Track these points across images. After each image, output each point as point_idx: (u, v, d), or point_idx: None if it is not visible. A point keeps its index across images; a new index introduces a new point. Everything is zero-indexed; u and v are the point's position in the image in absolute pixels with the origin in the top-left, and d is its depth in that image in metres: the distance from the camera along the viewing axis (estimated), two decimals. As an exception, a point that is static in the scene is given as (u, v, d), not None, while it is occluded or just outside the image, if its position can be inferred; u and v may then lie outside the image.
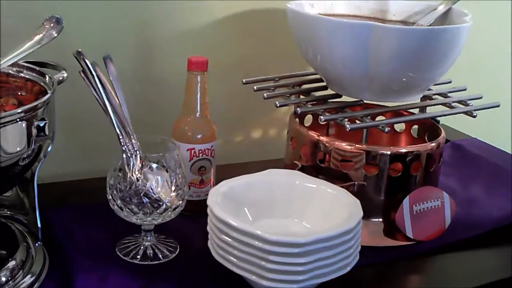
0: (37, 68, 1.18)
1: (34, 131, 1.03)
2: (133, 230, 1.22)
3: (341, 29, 1.24)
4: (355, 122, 1.26)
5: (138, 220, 1.16)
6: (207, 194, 1.22)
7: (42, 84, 1.15)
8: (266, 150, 1.67)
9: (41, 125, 1.04)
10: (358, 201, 1.13)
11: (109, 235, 1.25)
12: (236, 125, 1.65)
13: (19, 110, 1.01)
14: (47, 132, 1.04)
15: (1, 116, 0.99)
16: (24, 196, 1.21)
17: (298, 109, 1.28)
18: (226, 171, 1.36)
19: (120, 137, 1.14)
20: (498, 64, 2.03)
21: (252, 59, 1.59)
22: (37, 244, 1.19)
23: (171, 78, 1.51)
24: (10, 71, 1.19)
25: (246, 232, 1.02)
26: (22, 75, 1.20)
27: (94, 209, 1.32)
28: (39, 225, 1.20)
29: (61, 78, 1.18)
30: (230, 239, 1.05)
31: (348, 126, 1.21)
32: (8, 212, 1.25)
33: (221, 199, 1.11)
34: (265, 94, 1.35)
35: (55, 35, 1.16)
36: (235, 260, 1.05)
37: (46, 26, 1.17)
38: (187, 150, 1.30)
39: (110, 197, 1.16)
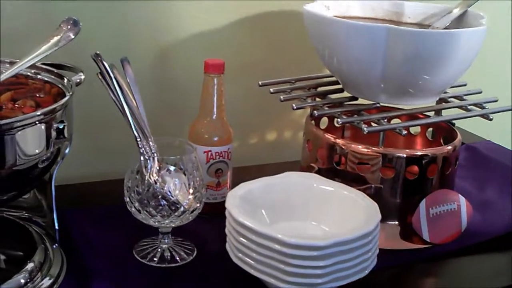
0: (55, 70, 1.19)
1: (53, 134, 1.03)
2: (150, 232, 1.22)
3: (358, 32, 1.24)
4: (371, 125, 1.25)
5: (156, 223, 1.16)
6: (223, 197, 1.23)
7: (60, 86, 1.15)
8: (281, 152, 1.67)
9: (60, 127, 1.04)
10: (375, 204, 1.13)
11: (126, 237, 1.25)
12: (251, 127, 1.66)
13: (39, 113, 1.02)
14: (66, 135, 1.04)
15: (21, 118, 0.99)
16: (42, 198, 1.22)
17: (315, 112, 1.28)
18: (242, 173, 1.38)
19: (138, 139, 1.14)
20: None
21: (268, 61, 1.60)
22: (54, 246, 1.19)
23: (187, 80, 1.52)
24: (28, 73, 1.20)
25: (265, 235, 1.02)
26: (40, 77, 1.20)
27: (111, 211, 1.33)
28: (56, 227, 1.20)
29: (78, 80, 1.18)
30: (249, 242, 1.05)
31: (365, 129, 1.21)
32: (26, 214, 1.25)
33: (239, 202, 1.11)
34: (281, 97, 1.35)
35: (72, 37, 1.16)
36: (253, 262, 1.05)
37: (63, 28, 1.18)
38: (204, 152, 1.30)
39: (127, 199, 1.16)
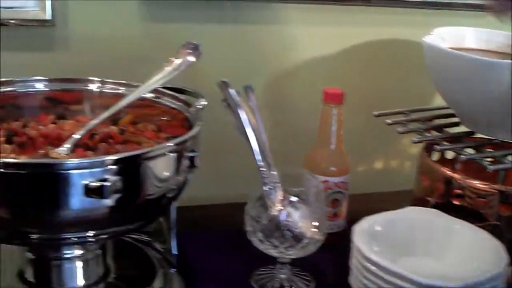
0: (179, 96, 1.20)
1: (185, 163, 1.03)
2: (267, 261, 1.21)
3: (482, 67, 1.22)
4: (494, 162, 1.22)
5: (277, 253, 1.15)
6: (339, 227, 1.22)
7: (186, 113, 1.16)
8: (387, 181, 1.65)
9: (192, 156, 1.03)
10: (501, 244, 1.11)
11: (243, 264, 1.25)
12: (359, 155, 1.64)
13: (173, 142, 1.02)
14: (197, 164, 1.04)
15: (153, 149, 0.99)
16: (163, 221, 1.21)
17: (436, 147, 1.27)
18: (352, 201, 1.37)
19: (262, 168, 1.13)
20: None
21: (380, 90, 1.57)
22: (172, 271, 1.19)
23: (304, 108, 1.51)
24: (149, 96, 1.21)
25: (396, 274, 1.01)
26: (161, 100, 1.22)
27: (228, 236, 1.33)
28: (175, 251, 1.20)
29: (200, 106, 1.17)
30: (377, 279, 1.04)
31: (490, 167, 1.19)
32: (146, 238, 1.25)
33: (366, 237, 1.09)
34: (399, 129, 1.33)
35: (193, 61, 1.15)
36: (380, 299, 1.03)
37: (183, 52, 1.18)
38: (321, 182, 1.29)
39: (250, 228, 1.15)
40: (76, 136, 1.08)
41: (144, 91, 1.14)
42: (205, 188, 1.49)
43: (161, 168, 0.99)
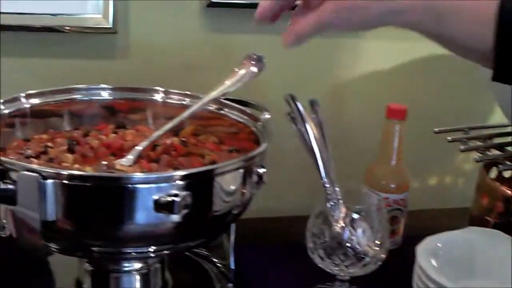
0: (247, 110, 1.19)
1: (254, 178, 1.03)
2: (325, 277, 1.19)
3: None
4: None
5: (337, 271, 1.13)
6: (395, 244, 1.19)
7: (253, 127, 1.15)
8: (440, 197, 1.62)
9: (261, 172, 1.01)
10: None
11: (300, 279, 1.24)
12: (412, 171, 1.61)
13: (240, 159, 1.01)
14: (265, 180, 1.02)
15: (224, 164, 0.98)
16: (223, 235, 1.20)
17: (500, 166, 1.24)
18: (409, 218, 1.36)
19: (326, 184, 1.11)
20: None
21: (438, 107, 1.55)
22: (229, 285, 1.17)
23: (363, 121, 1.50)
24: (210, 107, 1.20)
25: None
26: (224, 112, 1.21)
27: (285, 250, 1.31)
28: (232, 266, 1.20)
29: (266, 119, 1.15)
30: (443, 302, 1.01)
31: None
32: (205, 252, 1.23)
33: (431, 258, 1.09)
34: (461, 147, 1.31)
35: (257, 72, 1.14)
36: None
37: (247, 63, 1.16)
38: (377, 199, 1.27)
39: (311, 245, 1.14)
40: (139, 147, 1.07)
41: (208, 103, 1.12)
42: (264, 200, 1.47)
43: (230, 183, 0.98)
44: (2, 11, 1.24)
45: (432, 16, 0.87)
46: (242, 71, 1.15)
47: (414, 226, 1.36)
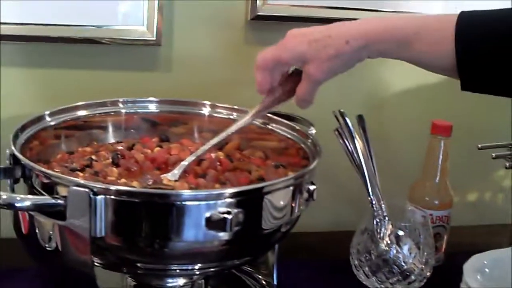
0: (296, 126, 1.18)
1: (304, 195, 1.01)
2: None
3: None
4: None
5: (379, 287, 1.12)
6: (438, 261, 1.18)
7: (302, 144, 1.14)
8: (480, 213, 1.61)
9: (311, 189, 1.00)
10: None
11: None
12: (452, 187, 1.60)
13: (292, 176, 0.99)
14: (315, 197, 1.01)
15: (276, 182, 0.97)
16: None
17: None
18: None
19: (373, 201, 1.10)
20: None
21: (482, 122, 1.53)
22: (272, 301, 1.15)
23: (407, 138, 1.49)
24: (257, 122, 1.19)
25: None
26: (271, 127, 1.21)
27: (328, 265, 1.31)
28: (275, 282, 1.19)
29: (310, 134, 1.14)
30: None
31: None
32: (248, 268, 1.23)
33: (477, 276, 1.09)
34: (506, 164, 1.30)
35: None
36: None
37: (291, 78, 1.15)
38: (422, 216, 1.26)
39: (356, 262, 1.13)
40: (185, 162, 1.06)
41: (255, 117, 1.11)
42: (307, 215, 1.46)
43: (281, 200, 0.97)
44: (46, 23, 1.23)
45: (393, 46, 0.98)
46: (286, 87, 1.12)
47: (454, 242, 1.34)
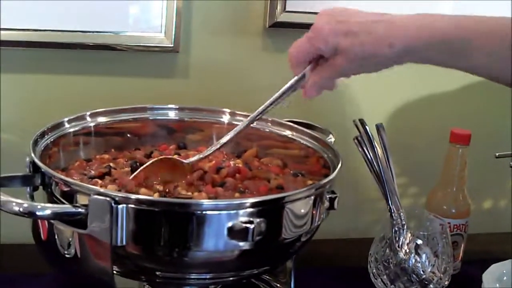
0: (317, 135, 1.17)
1: (325, 204, 1.01)
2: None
3: None
4: None
5: (399, 297, 1.12)
6: (455, 269, 1.18)
7: (323, 154, 1.13)
8: (495, 221, 1.60)
9: (332, 197, 1.00)
10: None
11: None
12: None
13: (313, 185, 0.99)
14: (336, 206, 1.00)
15: (298, 191, 0.97)
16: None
17: None
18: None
19: (392, 210, 1.10)
20: None
21: (499, 131, 1.53)
22: (288, 310, 1.15)
23: (427, 147, 1.50)
24: (275, 129, 1.20)
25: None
26: (293, 136, 1.20)
27: (345, 273, 1.31)
28: (292, 290, 1.16)
29: (329, 142, 1.14)
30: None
31: None
32: (266, 276, 1.23)
33: (496, 284, 1.09)
34: (523, 172, 1.29)
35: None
36: None
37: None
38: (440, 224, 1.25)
39: (374, 270, 1.12)
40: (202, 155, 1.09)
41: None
42: (326, 222, 1.46)
43: (302, 210, 0.97)
44: (64, 29, 1.24)
45: (444, 53, 0.89)
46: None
47: (471, 250, 1.34)
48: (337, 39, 0.91)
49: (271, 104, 1.02)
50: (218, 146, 1.08)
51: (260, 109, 1.04)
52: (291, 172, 1.13)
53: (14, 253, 1.23)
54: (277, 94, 1.02)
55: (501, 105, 1.52)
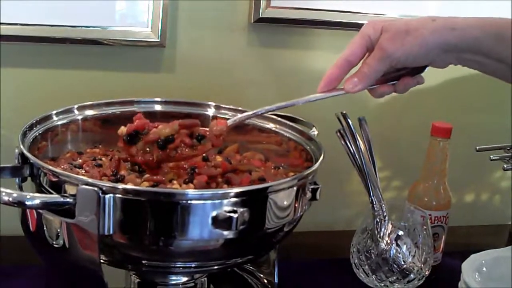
0: (299, 127, 1.19)
1: (307, 195, 1.03)
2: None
3: None
4: None
5: (381, 286, 1.14)
6: (435, 260, 1.21)
7: (306, 146, 1.15)
8: (477, 214, 1.63)
9: (314, 188, 1.02)
10: None
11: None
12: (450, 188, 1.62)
13: (295, 176, 1.00)
14: (318, 197, 1.03)
15: (281, 181, 0.98)
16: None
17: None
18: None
19: (374, 201, 1.12)
20: None
21: (481, 125, 1.55)
22: (272, 300, 1.17)
23: (410, 140, 1.52)
24: (260, 123, 1.22)
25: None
26: (275, 129, 1.22)
27: (328, 264, 1.33)
28: (276, 281, 1.20)
29: (312, 135, 1.16)
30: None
31: None
32: (250, 267, 1.25)
33: (475, 275, 1.11)
34: (504, 165, 1.32)
35: None
36: None
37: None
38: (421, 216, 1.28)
39: (356, 261, 1.15)
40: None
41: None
42: (309, 214, 1.48)
43: (284, 200, 0.98)
44: (51, 24, 1.25)
45: (491, 34, 0.91)
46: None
47: (452, 242, 1.37)
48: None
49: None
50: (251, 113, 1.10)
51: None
52: (273, 165, 1.14)
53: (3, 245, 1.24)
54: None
55: (482, 99, 1.54)
